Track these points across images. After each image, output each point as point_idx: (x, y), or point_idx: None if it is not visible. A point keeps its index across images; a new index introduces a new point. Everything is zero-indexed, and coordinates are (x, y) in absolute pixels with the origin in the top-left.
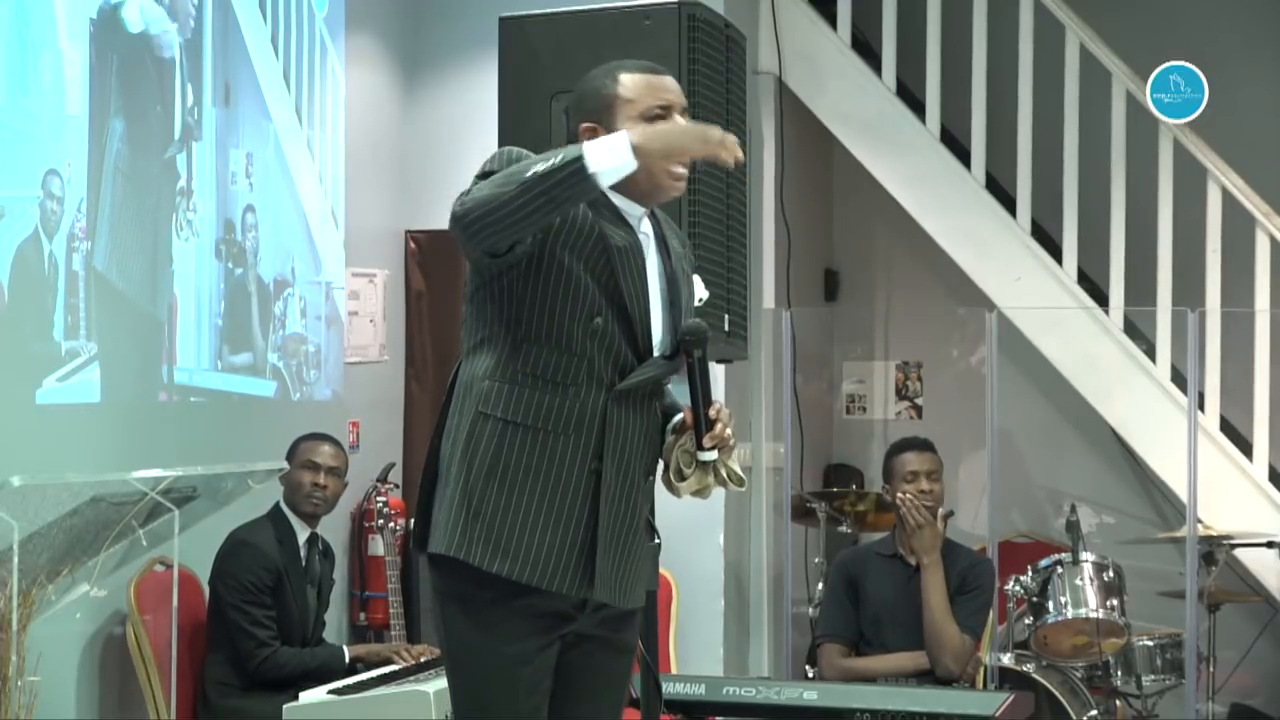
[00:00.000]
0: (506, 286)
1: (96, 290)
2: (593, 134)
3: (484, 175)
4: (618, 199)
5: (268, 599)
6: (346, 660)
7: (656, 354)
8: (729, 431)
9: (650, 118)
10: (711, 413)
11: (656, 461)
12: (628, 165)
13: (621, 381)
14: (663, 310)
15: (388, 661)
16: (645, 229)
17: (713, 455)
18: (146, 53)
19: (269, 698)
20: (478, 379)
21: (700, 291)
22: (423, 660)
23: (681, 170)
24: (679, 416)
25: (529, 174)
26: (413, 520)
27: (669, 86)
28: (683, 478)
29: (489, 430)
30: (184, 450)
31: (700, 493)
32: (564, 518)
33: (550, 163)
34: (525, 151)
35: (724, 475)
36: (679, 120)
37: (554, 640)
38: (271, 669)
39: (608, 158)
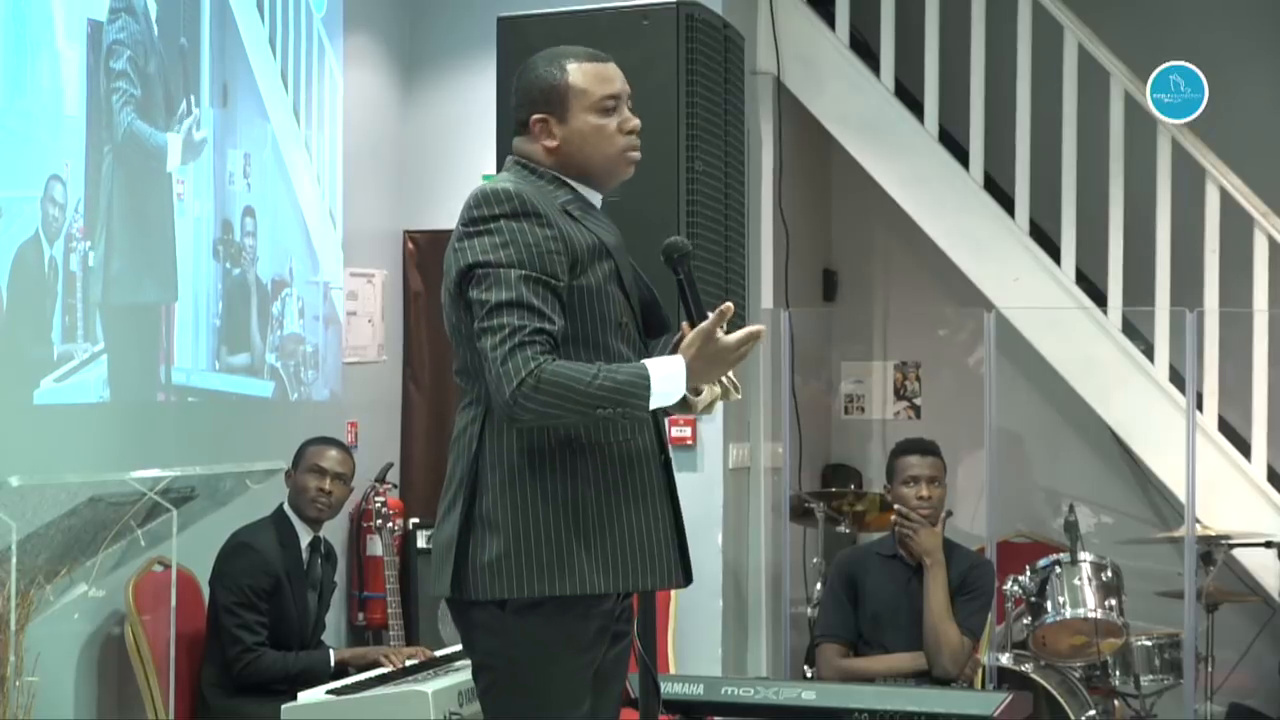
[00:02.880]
0: None
1: (96, 291)
2: (544, 125)
3: (481, 220)
4: (582, 187)
5: (262, 603)
6: (332, 663)
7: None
8: None
9: (602, 109)
10: (707, 325)
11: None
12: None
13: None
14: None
15: (375, 664)
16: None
17: None
18: (143, 53)
19: (266, 699)
20: None
21: None
22: (409, 664)
23: (635, 155)
24: (677, 334)
25: (595, 409)
26: (444, 570)
27: (614, 75)
28: (697, 393)
29: (567, 460)
30: (181, 451)
31: (709, 407)
32: (655, 516)
33: (617, 407)
34: (501, 189)
35: (726, 384)
36: (627, 114)
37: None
38: (255, 673)
39: (663, 399)
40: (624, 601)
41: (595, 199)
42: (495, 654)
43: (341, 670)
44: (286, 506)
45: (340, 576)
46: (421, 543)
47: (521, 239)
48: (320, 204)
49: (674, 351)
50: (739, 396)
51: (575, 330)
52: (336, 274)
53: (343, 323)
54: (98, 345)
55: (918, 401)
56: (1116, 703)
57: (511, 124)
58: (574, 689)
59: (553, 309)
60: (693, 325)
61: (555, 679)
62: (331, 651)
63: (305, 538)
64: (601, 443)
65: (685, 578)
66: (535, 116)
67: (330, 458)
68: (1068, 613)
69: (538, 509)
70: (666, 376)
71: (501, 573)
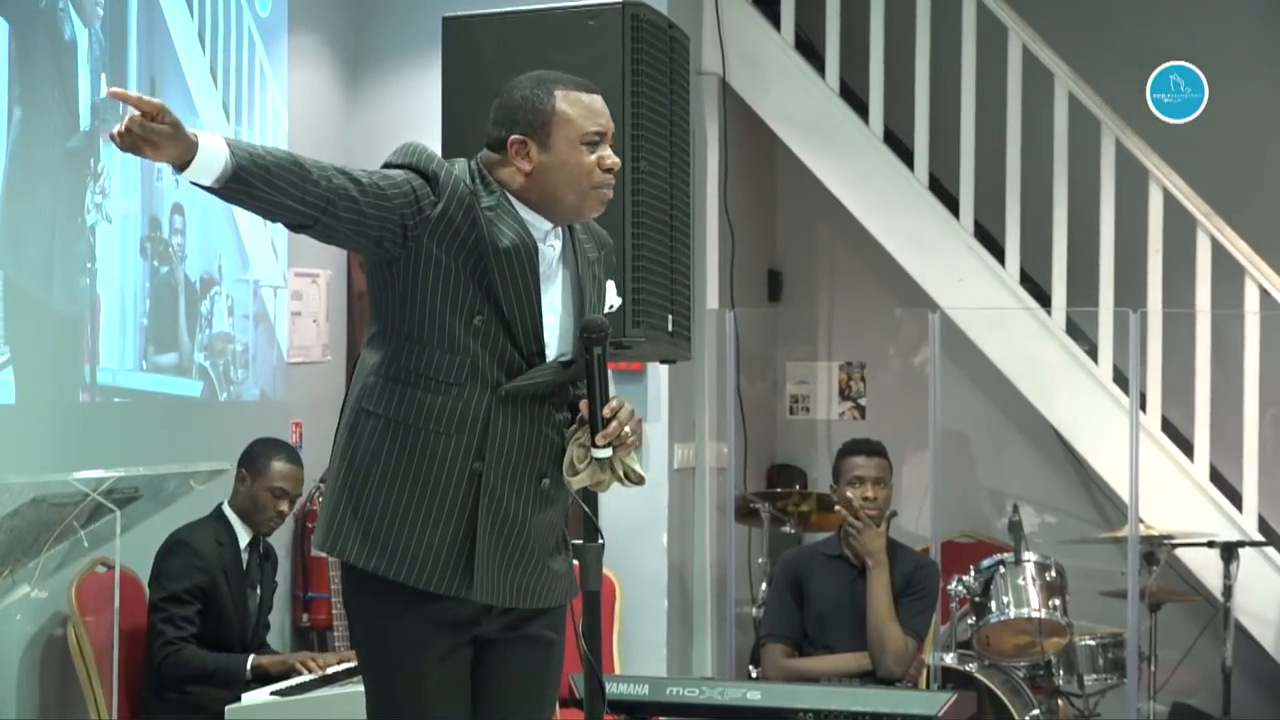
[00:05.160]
0: (390, 281)
1: (4, 290)
2: (522, 148)
3: (386, 166)
4: (525, 213)
5: (195, 601)
6: (248, 668)
7: (552, 359)
8: (627, 429)
9: (588, 142)
10: (606, 411)
11: (551, 465)
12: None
13: (509, 382)
14: (562, 317)
15: (292, 670)
16: (552, 241)
17: (606, 453)
18: (61, 45)
19: (209, 701)
20: (365, 374)
21: (612, 298)
22: (329, 671)
23: (608, 194)
24: (584, 411)
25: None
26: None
27: (602, 110)
28: (575, 472)
29: (370, 427)
30: (108, 452)
31: (597, 487)
32: (443, 517)
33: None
34: (425, 146)
35: (620, 473)
36: (608, 151)
37: (458, 648)
38: (172, 667)
39: (201, 175)
40: (500, 612)
41: (541, 225)
42: (346, 613)
43: (261, 676)
44: (226, 506)
45: (284, 577)
46: None
47: (399, 176)
48: None
49: (574, 427)
50: (640, 485)
51: (419, 314)
52: (267, 272)
53: (274, 322)
54: (11, 348)
55: (863, 402)
56: (1060, 702)
57: (486, 137)
58: (410, 696)
59: (370, 187)
60: (592, 410)
61: (389, 684)
62: (250, 658)
63: (244, 538)
64: (409, 424)
65: (469, 589)
66: (515, 138)
67: (293, 478)
68: (1011, 612)
69: (341, 469)
70: (206, 148)
71: (319, 522)
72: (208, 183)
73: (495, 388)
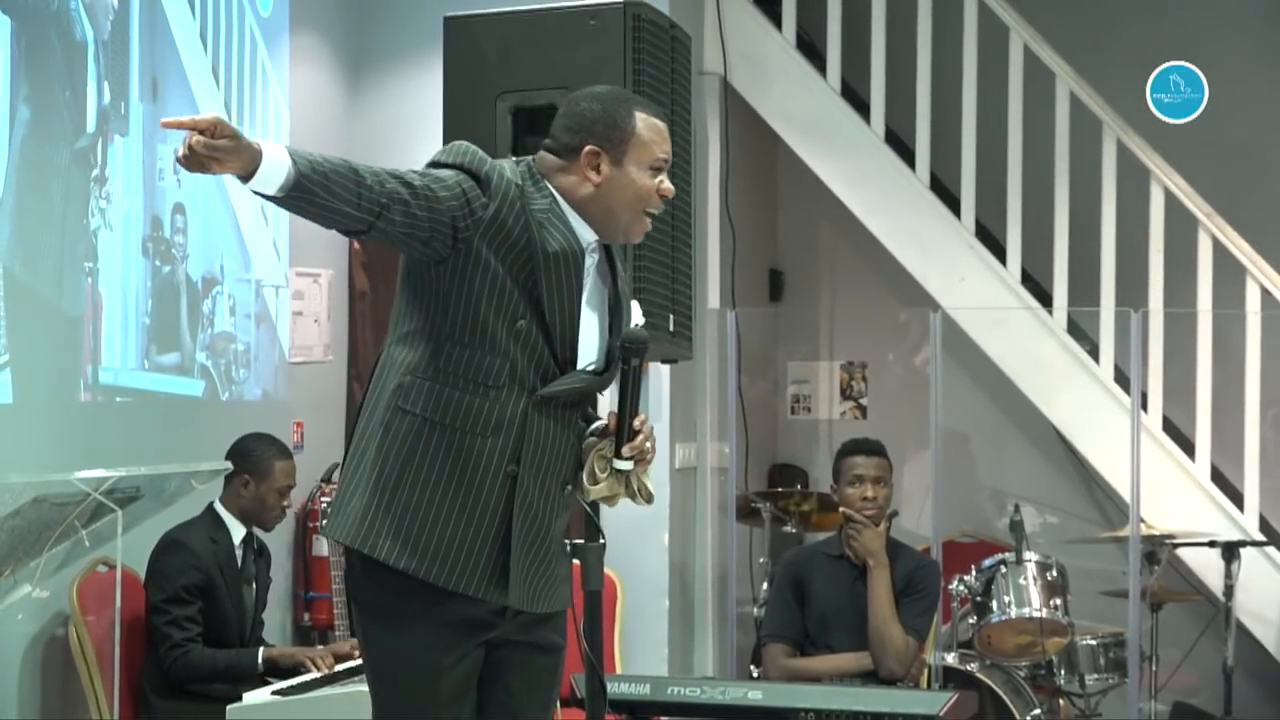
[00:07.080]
0: (434, 279)
1: (5, 289)
2: (595, 159)
3: (433, 165)
4: (575, 221)
5: (194, 600)
6: (259, 661)
7: (583, 367)
8: (649, 444)
9: (655, 168)
10: (636, 423)
11: (574, 472)
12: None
13: (544, 387)
14: (599, 327)
15: (301, 665)
16: (593, 251)
17: (629, 465)
18: (72, 45)
19: (210, 700)
20: (400, 372)
21: (637, 317)
22: (337, 670)
23: (649, 224)
24: (602, 421)
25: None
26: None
27: (669, 138)
28: (595, 481)
29: (406, 426)
30: (110, 451)
31: (610, 500)
32: (476, 519)
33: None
34: (474, 146)
35: (634, 488)
36: (666, 178)
37: (472, 649)
38: (183, 669)
39: (265, 185)
40: (514, 614)
41: (587, 236)
42: (352, 603)
43: (272, 668)
44: (218, 504)
45: (286, 577)
46: None
47: (450, 177)
48: (252, 200)
49: (596, 437)
50: (649, 504)
51: (461, 315)
52: (269, 271)
53: (275, 322)
54: (10, 345)
55: (864, 401)
56: (1061, 702)
57: (550, 141)
58: (421, 695)
59: (422, 189)
60: (621, 421)
61: (399, 683)
62: (261, 650)
63: (238, 535)
64: (446, 425)
65: (505, 594)
66: (590, 148)
67: (293, 473)
68: (1013, 612)
69: (375, 467)
70: (270, 158)
71: (344, 515)
72: (271, 192)
73: (531, 392)
